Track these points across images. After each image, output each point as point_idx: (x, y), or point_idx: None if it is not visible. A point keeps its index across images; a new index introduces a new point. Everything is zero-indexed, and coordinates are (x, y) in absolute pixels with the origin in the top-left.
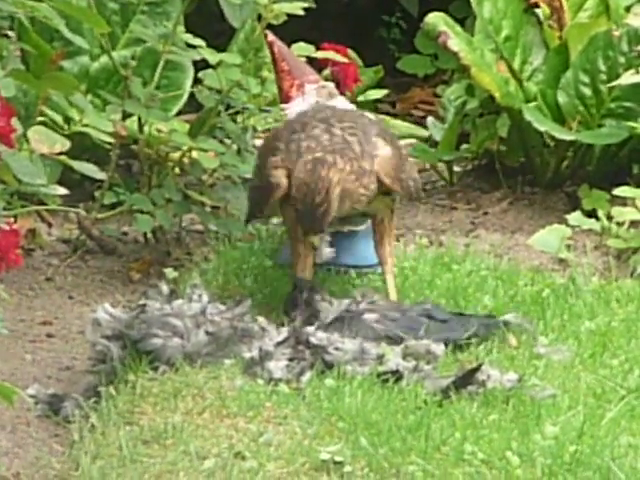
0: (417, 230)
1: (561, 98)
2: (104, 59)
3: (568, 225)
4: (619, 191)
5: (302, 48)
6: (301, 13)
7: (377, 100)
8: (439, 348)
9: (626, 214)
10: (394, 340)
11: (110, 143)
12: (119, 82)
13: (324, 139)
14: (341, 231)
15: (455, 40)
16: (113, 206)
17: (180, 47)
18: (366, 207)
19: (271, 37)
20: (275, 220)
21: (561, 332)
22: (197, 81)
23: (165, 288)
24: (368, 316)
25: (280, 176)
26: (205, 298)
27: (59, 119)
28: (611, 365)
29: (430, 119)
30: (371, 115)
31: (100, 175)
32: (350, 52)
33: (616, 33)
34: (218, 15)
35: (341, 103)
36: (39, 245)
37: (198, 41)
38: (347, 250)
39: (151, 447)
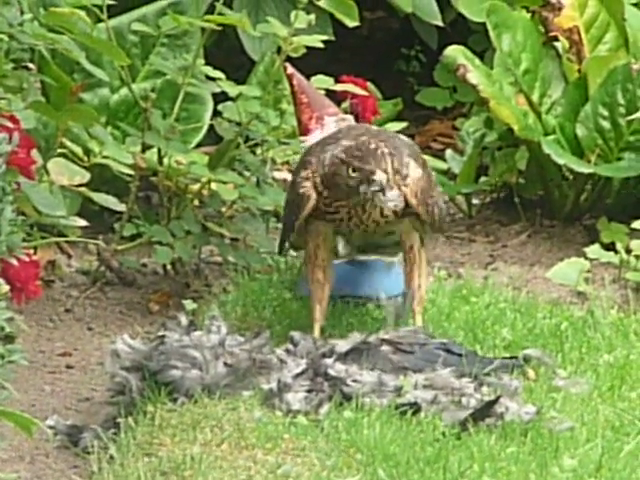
0: (436, 262)
1: (580, 131)
2: (124, 91)
3: (587, 258)
4: (638, 224)
5: (321, 81)
6: (320, 46)
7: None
8: (457, 381)
9: None
10: (411, 372)
11: (130, 175)
12: (139, 114)
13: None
14: (365, 261)
15: (474, 73)
16: (132, 238)
17: (200, 80)
18: (391, 227)
19: (290, 70)
20: (294, 252)
21: (579, 365)
22: (216, 113)
23: (184, 320)
24: (385, 348)
25: (310, 187)
26: (224, 330)
27: (79, 151)
28: (629, 398)
29: (449, 152)
30: (404, 137)
31: (119, 207)
32: (369, 85)
33: (635, 66)
34: (238, 48)
35: None
36: (58, 276)
37: (218, 73)
38: (366, 281)
39: (170, 478)
